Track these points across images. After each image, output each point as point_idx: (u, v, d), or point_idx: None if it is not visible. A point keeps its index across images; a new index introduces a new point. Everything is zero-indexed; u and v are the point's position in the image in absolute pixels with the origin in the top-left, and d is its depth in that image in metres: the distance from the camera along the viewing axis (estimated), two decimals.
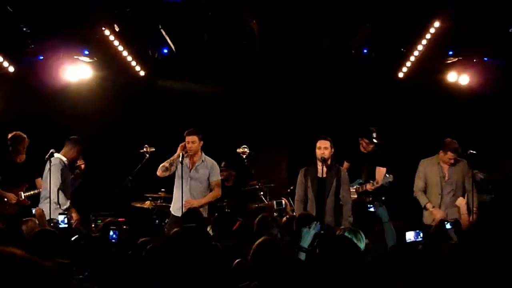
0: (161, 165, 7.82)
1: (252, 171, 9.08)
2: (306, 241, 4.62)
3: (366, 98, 10.20)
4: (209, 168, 7.85)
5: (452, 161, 7.70)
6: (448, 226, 5.92)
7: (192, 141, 7.72)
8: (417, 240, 5.20)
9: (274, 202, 8.67)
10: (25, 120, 9.25)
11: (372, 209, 5.50)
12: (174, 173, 7.88)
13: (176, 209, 7.71)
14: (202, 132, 7.88)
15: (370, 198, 8.26)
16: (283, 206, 8.63)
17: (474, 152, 7.60)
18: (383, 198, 8.32)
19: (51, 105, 9.82)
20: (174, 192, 7.92)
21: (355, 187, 8.40)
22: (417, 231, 5.25)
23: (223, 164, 8.98)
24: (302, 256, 4.60)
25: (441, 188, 7.72)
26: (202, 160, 7.85)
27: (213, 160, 7.96)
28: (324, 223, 6.87)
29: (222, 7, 8.88)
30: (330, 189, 7.36)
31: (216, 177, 7.92)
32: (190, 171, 7.78)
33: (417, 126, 10.02)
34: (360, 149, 8.63)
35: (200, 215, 6.30)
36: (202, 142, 7.83)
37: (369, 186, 8.18)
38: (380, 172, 8.29)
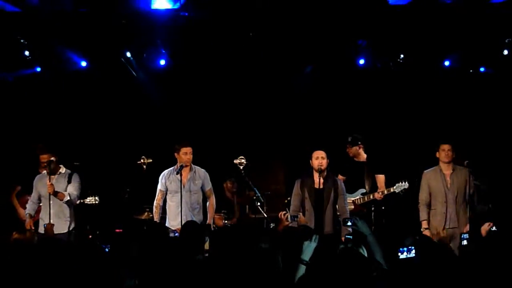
0: (154, 208, 7.81)
1: (249, 182, 9.06)
2: (307, 254, 4.61)
3: (361, 109, 10.26)
4: (202, 178, 7.82)
5: (450, 153, 7.53)
6: None
7: (190, 152, 7.68)
8: (410, 256, 5.07)
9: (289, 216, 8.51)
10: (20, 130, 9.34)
11: (348, 224, 5.38)
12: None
13: (176, 224, 7.50)
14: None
15: (373, 208, 8.24)
16: (297, 218, 8.34)
17: (470, 162, 7.53)
18: (383, 207, 8.30)
19: (44, 116, 9.85)
20: (170, 207, 7.79)
21: (357, 197, 8.33)
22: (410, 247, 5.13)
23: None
24: (303, 269, 4.58)
25: (445, 196, 7.56)
26: (194, 172, 7.80)
27: (201, 168, 7.89)
28: (324, 234, 6.88)
29: (221, 17, 8.93)
30: (328, 200, 7.32)
31: (209, 185, 7.90)
32: (186, 185, 7.69)
33: (414, 132, 10.15)
34: (354, 159, 8.51)
35: (199, 227, 6.16)
36: None
37: (378, 195, 8.05)
38: (380, 179, 8.24)
